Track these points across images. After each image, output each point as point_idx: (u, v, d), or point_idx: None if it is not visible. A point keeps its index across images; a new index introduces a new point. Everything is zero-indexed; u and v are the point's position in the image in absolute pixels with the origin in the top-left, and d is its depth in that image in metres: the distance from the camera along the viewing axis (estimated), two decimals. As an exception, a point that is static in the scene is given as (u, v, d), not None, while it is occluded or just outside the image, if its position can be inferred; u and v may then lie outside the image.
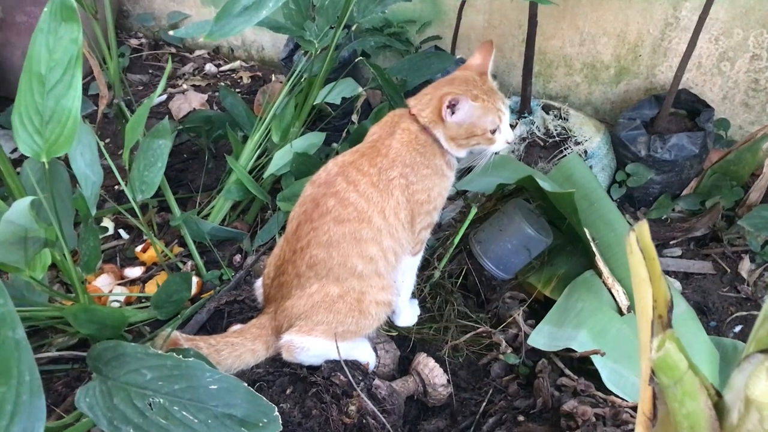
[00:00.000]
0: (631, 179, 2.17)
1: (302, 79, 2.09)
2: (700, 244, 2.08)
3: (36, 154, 1.34)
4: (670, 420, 0.78)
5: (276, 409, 1.06)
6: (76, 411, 1.40)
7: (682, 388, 0.67)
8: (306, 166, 1.97)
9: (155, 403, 1.08)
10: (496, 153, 1.56)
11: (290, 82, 2.12)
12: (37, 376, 0.88)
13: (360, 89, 2.18)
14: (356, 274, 1.48)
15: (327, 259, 1.46)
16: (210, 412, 1.05)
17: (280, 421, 1.05)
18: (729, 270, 1.98)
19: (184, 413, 1.05)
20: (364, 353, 1.58)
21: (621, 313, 1.63)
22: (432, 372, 1.58)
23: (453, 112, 1.45)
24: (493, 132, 1.50)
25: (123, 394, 1.12)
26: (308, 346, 1.48)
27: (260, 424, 1.04)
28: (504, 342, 1.62)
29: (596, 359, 1.45)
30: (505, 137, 1.53)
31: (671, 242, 2.09)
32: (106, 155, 1.83)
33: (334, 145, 2.33)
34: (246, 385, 1.08)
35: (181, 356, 1.11)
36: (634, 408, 1.37)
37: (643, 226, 0.79)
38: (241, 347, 1.51)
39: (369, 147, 1.52)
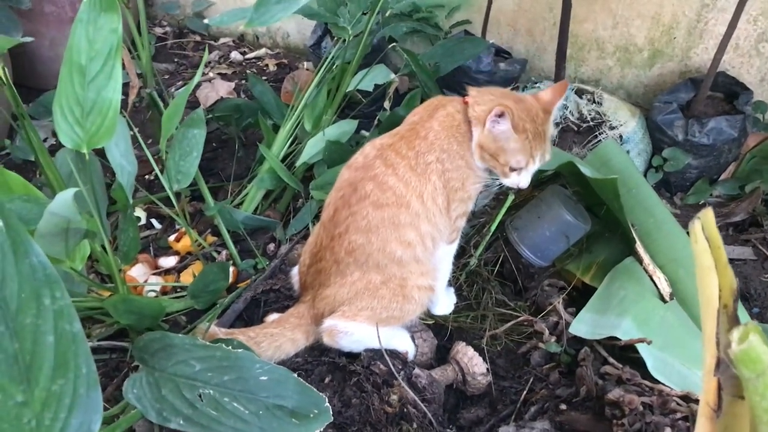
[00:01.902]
0: (668, 164, 2.14)
1: (334, 66, 2.08)
2: (739, 230, 2.05)
3: (77, 145, 1.34)
4: (735, 411, 0.76)
5: (326, 400, 1.05)
6: (121, 402, 1.40)
7: (764, 381, 0.65)
8: (338, 154, 1.95)
9: (205, 394, 1.07)
10: (501, 186, 1.53)
11: (322, 69, 2.10)
12: (93, 369, 0.88)
13: (392, 75, 2.16)
14: (395, 260, 1.47)
15: (366, 244, 1.45)
16: (261, 403, 1.05)
17: (331, 412, 1.04)
18: (770, 256, 1.95)
19: (235, 404, 1.05)
20: (403, 342, 1.57)
21: (663, 300, 1.60)
22: (471, 361, 1.57)
23: (495, 124, 1.41)
24: (513, 170, 1.47)
25: (171, 385, 1.12)
26: (352, 331, 1.48)
27: (311, 415, 1.04)
28: (546, 331, 1.60)
29: (641, 347, 1.43)
30: (519, 181, 1.49)
31: (709, 228, 2.06)
32: (143, 145, 1.83)
33: (363, 132, 2.32)
34: (296, 375, 1.07)
35: (229, 347, 1.11)
36: (683, 397, 1.35)
37: (708, 214, 0.77)
38: (280, 337, 1.51)
39: (408, 129, 1.50)
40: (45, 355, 0.83)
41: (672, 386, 1.39)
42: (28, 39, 1.36)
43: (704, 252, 0.76)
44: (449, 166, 1.47)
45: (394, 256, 1.45)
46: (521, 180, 1.49)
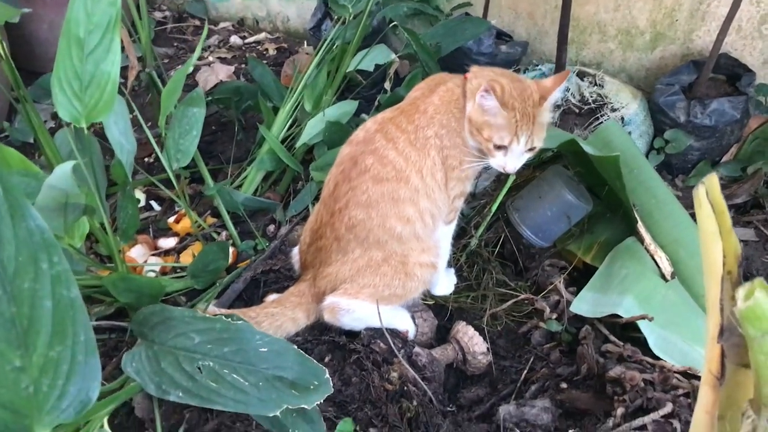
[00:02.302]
0: (670, 146, 2.12)
1: (334, 47, 2.06)
2: (741, 211, 2.04)
3: (75, 119, 1.33)
4: (738, 380, 0.75)
5: (327, 371, 1.04)
6: (118, 379, 1.40)
7: (770, 340, 0.65)
8: (339, 135, 1.94)
9: (205, 366, 1.06)
10: (488, 168, 1.50)
11: (322, 50, 2.09)
12: (91, 336, 0.87)
13: (393, 55, 2.15)
14: (395, 236, 1.45)
15: (366, 220, 1.43)
16: (261, 374, 1.04)
17: (331, 384, 1.04)
18: (772, 237, 1.94)
19: (235, 376, 1.04)
20: (404, 322, 1.57)
21: (665, 279, 1.60)
22: (471, 340, 1.57)
23: (484, 98, 1.38)
24: (497, 148, 1.43)
25: (171, 358, 1.11)
26: (354, 308, 1.47)
27: (311, 387, 1.03)
28: (548, 309, 1.59)
29: (643, 325, 1.43)
30: (504, 163, 1.45)
31: (711, 210, 2.05)
32: (143, 125, 1.82)
33: (363, 116, 2.30)
34: (296, 347, 1.06)
35: (229, 319, 1.10)
36: (683, 373, 1.35)
37: (713, 179, 0.76)
38: (281, 317, 1.50)
39: (409, 104, 1.50)
40: (43, 321, 0.83)
41: (673, 363, 1.38)
42: (27, 10, 1.35)
43: (708, 217, 0.75)
44: (447, 143, 1.46)
45: (394, 232, 1.44)
46: (507, 162, 1.45)
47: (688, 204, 1.77)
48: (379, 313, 1.46)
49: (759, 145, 2.07)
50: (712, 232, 0.75)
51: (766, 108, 2.20)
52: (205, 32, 1.71)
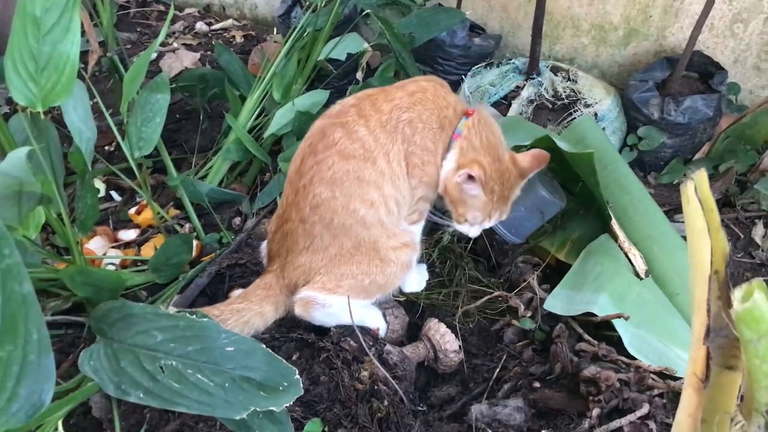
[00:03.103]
0: (643, 143, 2.12)
1: (305, 34, 2.00)
2: (712, 210, 2.04)
3: (31, 103, 1.25)
4: (721, 383, 0.73)
5: (297, 372, 0.99)
6: (74, 378, 1.33)
7: (766, 343, 0.62)
8: (308, 125, 1.88)
9: (167, 366, 1.01)
10: (449, 228, 1.54)
11: (292, 37, 2.03)
12: (45, 334, 0.81)
13: (366, 45, 2.10)
14: (359, 220, 1.38)
15: (331, 199, 1.36)
16: (227, 375, 0.98)
17: (301, 385, 0.99)
18: (742, 236, 1.95)
19: (199, 376, 0.98)
20: (375, 319, 1.52)
21: (639, 277, 1.58)
22: (443, 338, 1.53)
23: (467, 184, 1.39)
24: (466, 220, 1.47)
25: (131, 356, 1.05)
26: (331, 303, 1.41)
27: (280, 388, 0.98)
28: (522, 306, 1.56)
29: (618, 324, 1.41)
30: (469, 231, 1.52)
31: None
32: (105, 112, 1.74)
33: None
34: (264, 346, 1.01)
35: (194, 317, 1.05)
36: (659, 373, 1.33)
37: (702, 175, 0.74)
38: (247, 312, 1.43)
39: (396, 86, 1.44)
40: (-9, 318, 0.76)
41: (649, 363, 1.36)
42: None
43: (696, 214, 0.73)
44: (418, 140, 1.39)
45: (358, 215, 1.37)
46: (471, 231, 1.51)
47: (661, 201, 1.77)
48: (350, 310, 1.41)
49: (730, 143, 2.08)
50: (700, 230, 0.73)
51: (737, 107, 2.21)
52: (170, 16, 1.63)
